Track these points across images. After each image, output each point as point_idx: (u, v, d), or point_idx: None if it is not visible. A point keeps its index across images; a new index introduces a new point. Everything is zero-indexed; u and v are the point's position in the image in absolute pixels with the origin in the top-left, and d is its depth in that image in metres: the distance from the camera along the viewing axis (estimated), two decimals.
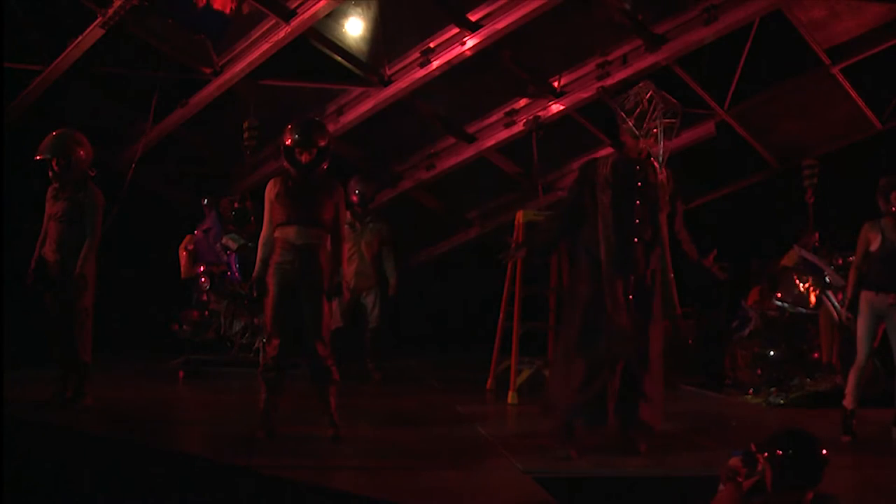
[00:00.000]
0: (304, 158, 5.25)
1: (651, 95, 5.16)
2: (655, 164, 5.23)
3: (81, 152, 6.01)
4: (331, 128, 9.83)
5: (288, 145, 5.28)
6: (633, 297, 5.11)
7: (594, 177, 5.20)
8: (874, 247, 6.03)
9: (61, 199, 5.99)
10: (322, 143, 5.31)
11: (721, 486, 3.41)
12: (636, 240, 5.13)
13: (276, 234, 5.30)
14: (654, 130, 5.09)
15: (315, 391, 5.41)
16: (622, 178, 5.16)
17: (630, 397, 5.15)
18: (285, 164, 5.33)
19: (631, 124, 5.12)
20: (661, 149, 5.10)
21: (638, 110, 5.12)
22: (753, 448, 3.41)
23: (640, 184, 5.18)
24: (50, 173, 5.98)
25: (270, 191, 5.36)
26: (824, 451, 3.32)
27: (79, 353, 5.98)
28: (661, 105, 5.12)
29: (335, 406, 5.38)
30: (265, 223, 5.38)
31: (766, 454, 3.29)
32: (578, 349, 5.11)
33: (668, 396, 7.97)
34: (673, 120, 5.15)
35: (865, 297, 6.01)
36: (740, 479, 3.34)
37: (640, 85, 5.29)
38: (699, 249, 5.51)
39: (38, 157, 5.97)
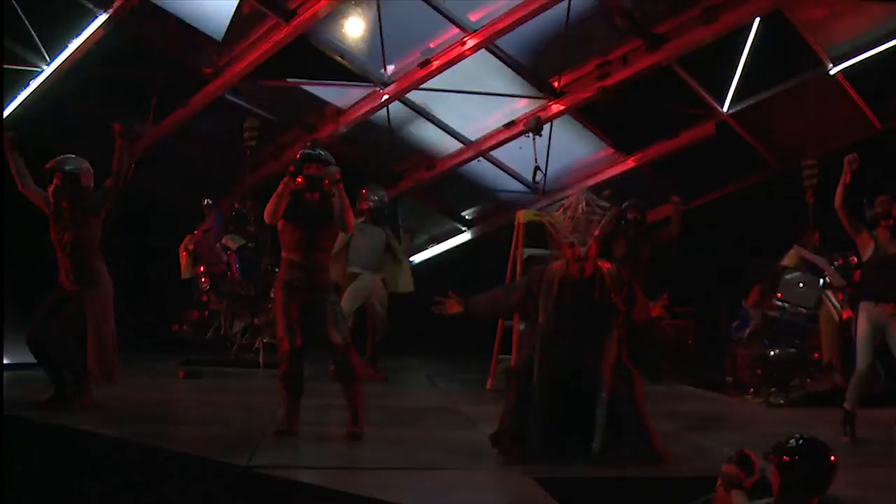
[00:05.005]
0: (312, 170, 5.39)
1: (581, 203, 5.08)
2: (605, 270, 5.08)
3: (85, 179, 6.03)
4: (331, 128, 9.93)
5: (297, 158, 5.47)
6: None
7: (537, 292, 5.09)
8: (867, 255, 6.01)
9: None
10: (327, 158, 5.48)
11: (719, 491, 3.40)
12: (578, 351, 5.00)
13: (283, 253, 5.52)
14: (590, 236, 4.99)
15: (341, 390, 5.45)
16: (566, 302, 5.02)
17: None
18: (297, 180, 5.37)
19: (565, 234, 5.04)
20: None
21: (569, 218, 5.05)
22: (745, 451, 3.41)
23: (585, 305, 5.01)
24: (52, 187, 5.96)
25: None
26: (833, 458, 3.30)
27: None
28: (594, 209, 5.07)
29: (362, 405, 5.45)
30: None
31: (774, 461, 3.27)
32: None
33: (668, 396, 8.02)
34: (607, 220, 5.07)
35: (864, 307, 5.98)
36: (744, 484, 3.32)
37: (570, 194, 5.26)
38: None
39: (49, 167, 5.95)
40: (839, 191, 5.94)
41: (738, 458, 3.39)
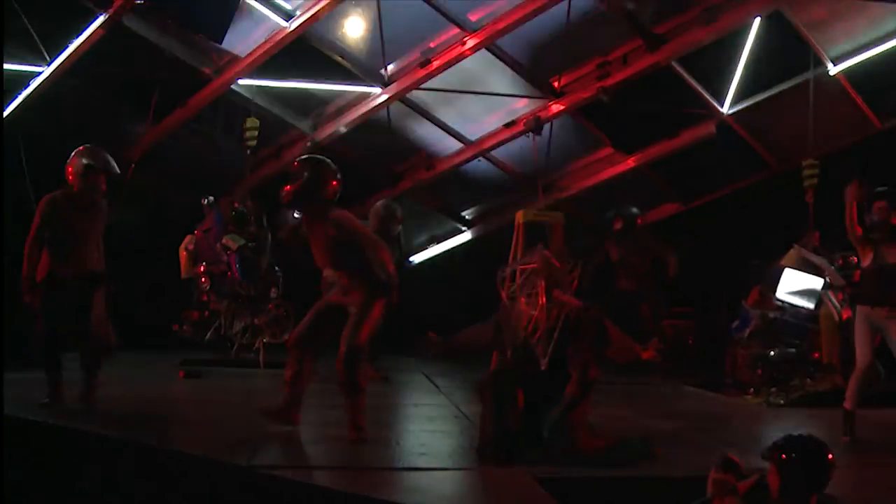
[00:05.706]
0: (286, 188, 5.50)
1: (534, 269, 5.16)
2: (573, 313, 5.09)
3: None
4: (330, 128, 9.92)
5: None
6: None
7: (505, 331, 5.20)
8: (867, 261, 6.02)
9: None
10: (296, 167, 5.55)
11: (715, 498, 3.39)
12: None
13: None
14: (542, 301, 5.07)
15: (342, 395, 5.46)
16: (531, 343, 5.11)
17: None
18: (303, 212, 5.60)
19: (522, 302, 5.14)
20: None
21: (522, 286, 5.16)
22: (728, 455, 3.41)
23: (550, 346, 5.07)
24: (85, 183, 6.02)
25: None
26: (830, 456, 3.30)
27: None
28: (552, 272, 5.15)
29: (362, 414, 5.44)
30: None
31: (773, 459, 3.27)
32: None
33: (668, 396, 8.02)
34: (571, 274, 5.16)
35: (861, 311, 6.01)
36: (738, 487, 3.32)
37: (532, 263, 5.27)
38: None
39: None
40: (848, 223, 5.95)
41: (723, 464, 3.39)
